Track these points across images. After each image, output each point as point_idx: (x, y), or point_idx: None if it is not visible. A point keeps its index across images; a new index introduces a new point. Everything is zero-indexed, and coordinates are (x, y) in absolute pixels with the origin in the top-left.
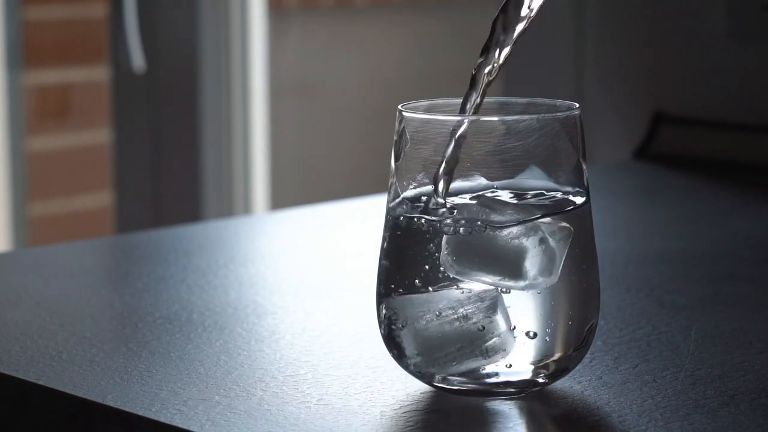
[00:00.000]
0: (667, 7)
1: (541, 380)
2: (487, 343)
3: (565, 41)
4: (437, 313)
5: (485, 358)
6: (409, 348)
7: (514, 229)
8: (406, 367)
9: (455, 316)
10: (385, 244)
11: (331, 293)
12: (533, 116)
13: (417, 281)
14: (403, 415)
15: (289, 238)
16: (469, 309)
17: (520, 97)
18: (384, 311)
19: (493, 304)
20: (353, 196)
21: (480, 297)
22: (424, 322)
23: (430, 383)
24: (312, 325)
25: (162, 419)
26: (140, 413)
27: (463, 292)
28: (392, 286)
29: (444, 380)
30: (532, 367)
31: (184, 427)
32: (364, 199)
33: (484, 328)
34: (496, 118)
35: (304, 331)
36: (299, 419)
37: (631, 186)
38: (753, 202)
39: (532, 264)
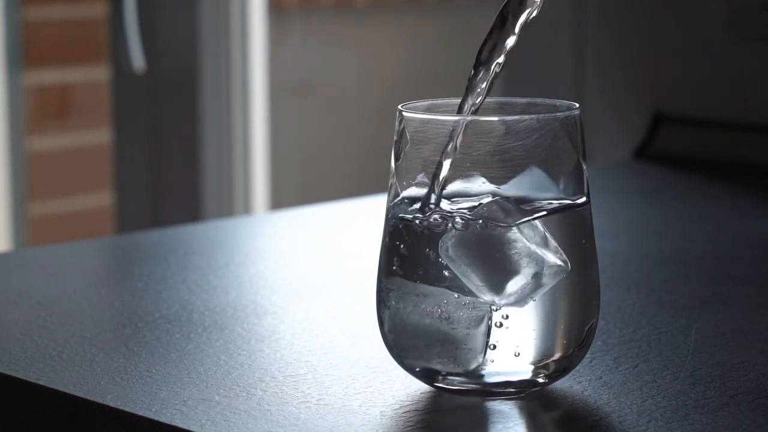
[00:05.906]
0: (667, 7)
1: (541, 380)
2: (457, 351)
3: (565, 41)
4: (423, 304)
5: (451, 365)
6: (387, 325)
7: (519, 245)
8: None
9: (438, 314)
10: (386, 239)
11: (331, 293)
12: (533, 116)
13: (414, 277)
14: (403, 415)
15: (289, 238)
16: (453, 312)
17: (520, 97)
18: (381, 292)
19: (480, 318)
20: (353, 196)
21: (471, 305)
22: (406, 306)
23: (430, 383)
24: (312, 325)
25: (162, 419)
26: (140, 413)
27: (457, 297)
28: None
29: (444, 380)
30: (532, 367)
31: (184, 427)
32: (364, 199)
33: (460, 336)
34: (496, 118)
35: (304, 331)
36: (299, 419)
37: (631, 186)
38: (753, 202)
39: (512, 288)
